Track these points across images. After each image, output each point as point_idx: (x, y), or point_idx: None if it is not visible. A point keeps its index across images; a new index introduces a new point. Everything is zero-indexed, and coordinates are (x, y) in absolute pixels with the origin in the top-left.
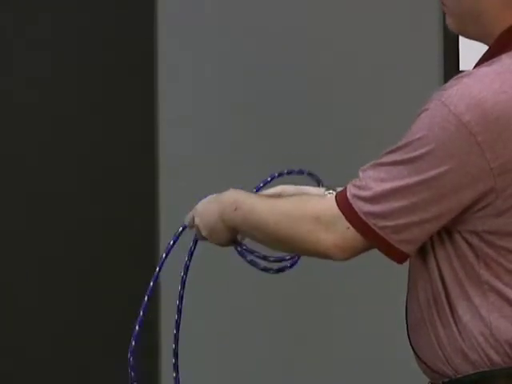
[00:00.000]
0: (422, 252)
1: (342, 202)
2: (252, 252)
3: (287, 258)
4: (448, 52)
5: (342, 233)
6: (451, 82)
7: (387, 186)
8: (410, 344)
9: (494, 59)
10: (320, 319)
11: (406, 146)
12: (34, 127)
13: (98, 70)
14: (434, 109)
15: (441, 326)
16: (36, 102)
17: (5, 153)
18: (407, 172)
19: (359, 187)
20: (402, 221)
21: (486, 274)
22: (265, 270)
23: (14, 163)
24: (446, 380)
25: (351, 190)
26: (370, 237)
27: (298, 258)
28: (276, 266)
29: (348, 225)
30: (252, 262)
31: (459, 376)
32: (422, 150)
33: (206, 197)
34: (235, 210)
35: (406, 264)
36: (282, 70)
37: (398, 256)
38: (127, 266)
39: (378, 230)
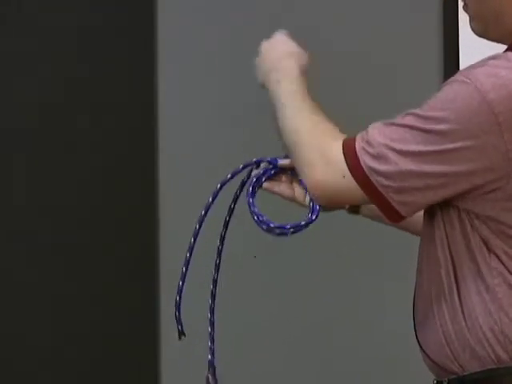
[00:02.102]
0: (434, 247)
1: (349, 152)
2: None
3: (287, 226)
4: (448, 52)
5: (335, 177)
6: (478, 63)
7: (397, 147)
8: (417, 340)
9: None
10: (322, 319)
11: (426, 117)
12: (33, 127)
13: (97, 69)
14: (460, 85)
15: (450, 321)
16: (35, 102)
17: (5, 154)
18: (422, 139)
19: (368, 142)
20: (406, 184)
21: (497, 268)
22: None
23: (14, 165)
24: (452, 377)
25: (360, 143)
26: (369, 191)
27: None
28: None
29: (347, 173)
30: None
31: (465, 373)
32: (442, 125)
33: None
34: (278, 83)
35: (414, 260)
36: None
37: (393, 215)
38: (127, 267)
39: (379, 188)
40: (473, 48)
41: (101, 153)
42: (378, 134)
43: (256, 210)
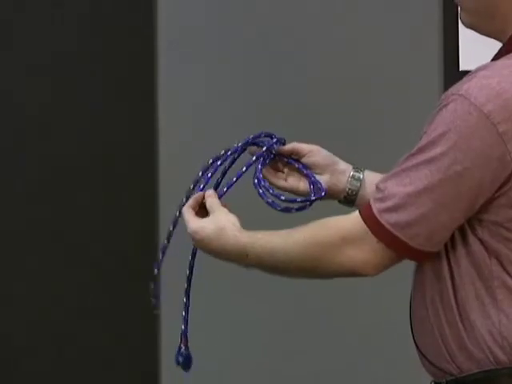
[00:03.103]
0: None
1: (369, 219)
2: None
3: (298, 199)
4: (448, 52)
5: (372, 248)
6: (467, 77)
7: (410, 189)
8: (414, 341)
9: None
10: (319, 317)
11: (427, 145)
12: (33, 127)
13: (97, 69)
14: (454, 103)
15: (446, 324)
16: (35, 102)
17: (4, 153)
18: (430, 172)
19: (381, 199)
20: (432, 225)
21: (497, 271)
22: (286, 210)
23: (13, 166)
24: (450, 378)
25: (376, 205)
26: (402, 250)
27: (311, 201)
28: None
29: (377, 239)
30: (273, 204)
31: (464, 374)
32: (445, 147)
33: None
34: (247, 256)
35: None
36: (282, 71)
37: (428, 257)
38: (128, 267)
39: (410, 242)
40: (473, 48)
41: (101, 152)
42: (390, 186)
43: (267, 184)
